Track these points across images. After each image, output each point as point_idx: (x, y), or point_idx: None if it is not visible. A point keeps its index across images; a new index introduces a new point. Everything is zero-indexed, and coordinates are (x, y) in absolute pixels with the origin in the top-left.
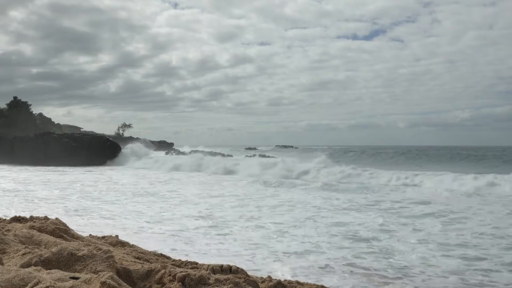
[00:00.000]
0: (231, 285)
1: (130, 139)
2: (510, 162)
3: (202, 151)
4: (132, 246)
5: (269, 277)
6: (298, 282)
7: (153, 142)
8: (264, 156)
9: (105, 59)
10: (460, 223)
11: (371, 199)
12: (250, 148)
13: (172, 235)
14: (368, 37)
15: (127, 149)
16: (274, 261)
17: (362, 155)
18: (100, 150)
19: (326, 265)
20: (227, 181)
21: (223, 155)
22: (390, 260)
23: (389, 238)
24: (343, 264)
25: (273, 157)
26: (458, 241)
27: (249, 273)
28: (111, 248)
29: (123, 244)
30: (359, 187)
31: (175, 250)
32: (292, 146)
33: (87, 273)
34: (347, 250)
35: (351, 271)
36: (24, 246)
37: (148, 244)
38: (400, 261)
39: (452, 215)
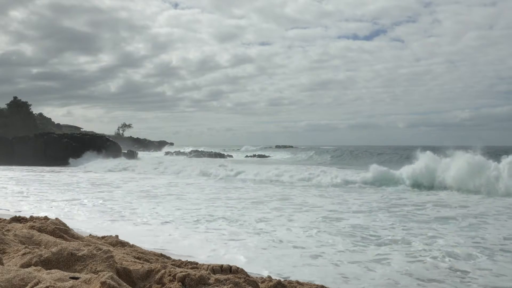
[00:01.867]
0: (231, 285)
1: (130, 139)
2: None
3: (202, 151)
4: (132, 246)
5: (269, 277)
6: (298, 282)
7: (152, 142)
8: (263, 156)
9: (105, 59)
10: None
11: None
12: (235, 150)
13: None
14: (369, 37)
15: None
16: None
17: (332, 154)
18: (99, 150)
19: (394, 280)
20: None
21: (223, 155)
22: (455, 266)
23: (418, 242)
24: (413, 278)
25: (269, 156)
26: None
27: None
28: (111, 248)
29: (123, 244)
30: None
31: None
32: (292, 146)
33: (87, 273)
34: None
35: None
36: (24, 246)
37: (148, 244)
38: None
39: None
